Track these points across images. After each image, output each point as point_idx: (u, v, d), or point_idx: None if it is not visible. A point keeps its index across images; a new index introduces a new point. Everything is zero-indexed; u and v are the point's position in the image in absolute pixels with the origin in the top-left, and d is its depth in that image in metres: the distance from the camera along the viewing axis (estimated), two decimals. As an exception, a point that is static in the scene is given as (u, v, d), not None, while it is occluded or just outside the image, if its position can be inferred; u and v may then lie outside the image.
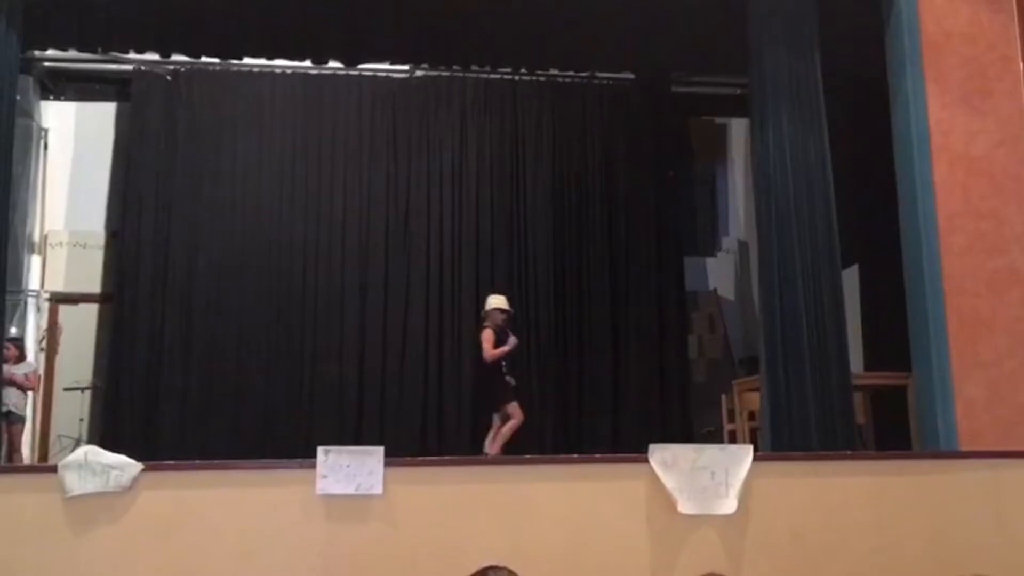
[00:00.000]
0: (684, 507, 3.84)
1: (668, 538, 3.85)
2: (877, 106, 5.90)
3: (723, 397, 7.63)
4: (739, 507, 3.86)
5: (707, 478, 3.88)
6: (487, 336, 7.44)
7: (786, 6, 5.87)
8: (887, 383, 6.63)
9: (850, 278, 7.28)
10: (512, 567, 3.58)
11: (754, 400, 6.61)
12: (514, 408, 7.30)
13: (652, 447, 3.92)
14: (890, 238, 5.75)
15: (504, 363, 7.40)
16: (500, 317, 7.54)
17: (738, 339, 9.54)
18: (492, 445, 7.23)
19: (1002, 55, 5.47)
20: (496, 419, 7.38)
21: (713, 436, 8.02)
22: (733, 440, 7.09)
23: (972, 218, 5.30)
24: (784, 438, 5.42)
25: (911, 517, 4.01)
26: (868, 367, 7.38)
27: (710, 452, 3.97)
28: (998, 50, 5.47)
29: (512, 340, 7.47)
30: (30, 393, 8.11)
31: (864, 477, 4.11)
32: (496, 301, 7.64)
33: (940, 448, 5.01)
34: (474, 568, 2.95)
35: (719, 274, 9.91)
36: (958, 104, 5.40)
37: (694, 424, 8.70)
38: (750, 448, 4.04)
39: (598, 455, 4.48)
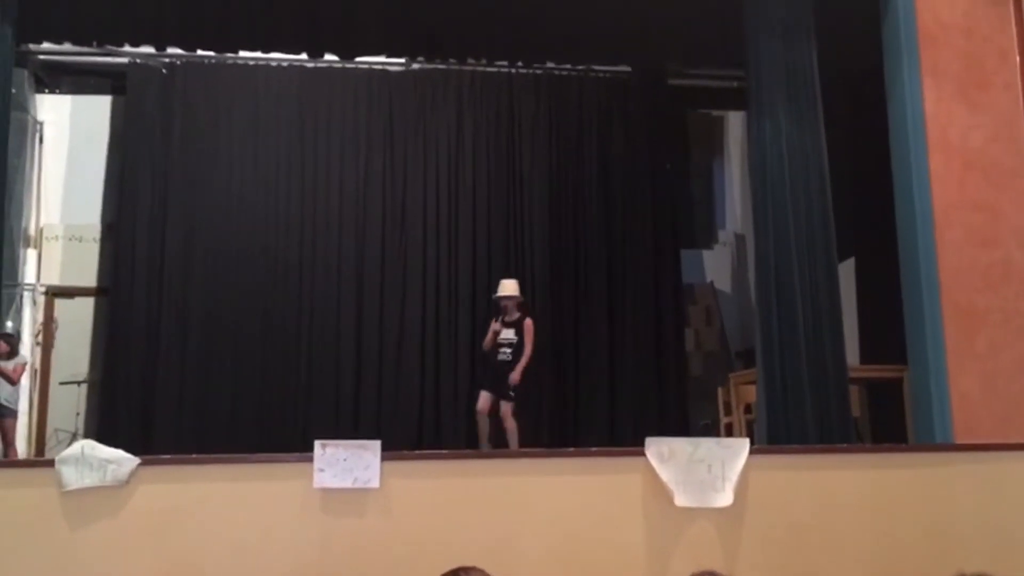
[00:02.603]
0: (680, 500, 3.84)
1: (664, 531, 3.86)
2: (874, 99, 5.90)
3: (719, 390, 7.64)
4: (735, 500, 3.87)
5: (704, 471, 3.89)
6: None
7: (783, -1, 5.87)
8: (883, 376, 6.65)
9: (846, 271, 7.29)
10: (508, 560, 3.60)
11: (750, 393, 6.63)
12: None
13: (649, 440, 3.93)
14: (886, 231, 5.75)
15: (501, 352, 7.20)
16: (500, 304, 7.36)
17: (735, 332, 9.55)
18: None
19: (999, 48, 5.47)
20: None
21: (709, 429, 8.03)
22: (729, 433, 7.11)
23: (968, 211, 5.30)
24: (780, 431, 5.43)
25: (907, 510, 4.02)
26: (864, 360, 7.39)
27: (707, 445, 3.98)
28: (995, 43, 5.47)
29: (491, 327, 7.28)
30: (24, 387, 8.09)
31: (860, 470, 4.12)
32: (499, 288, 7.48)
33: (935, 441, 5.02)
34: (469, 562, 2.95)
35: (716, 267, 9.91)
36: (954, 97, 5.40)
37: (690, 417, 8.70)
38: (746, 441, 4.05)
39: (594, 448, 4.48)
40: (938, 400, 5.11)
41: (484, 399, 7.18)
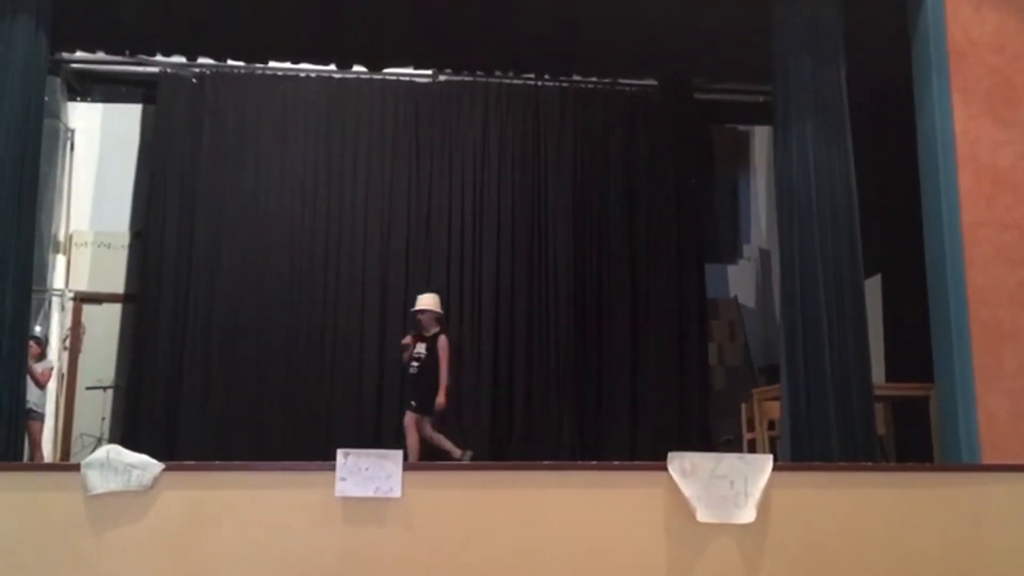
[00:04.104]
0: (702, 516, 3.83)
1: (686, 546, 3.84)
2: (902, 115, 5.85)
3: (743, 406, 7.59)
4: (758, 517, 3.85)
5: (726, 487, 3.87)
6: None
7: (811, 14, 5.83)
8: (909, 394, 6.58)
9: (873, 288, 7.23)
10: (528, 572, 3.59)
11: (774, 409, 6.58)
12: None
13: (671, 455, 3.92)
14: (914, 248, 5.70)
15: (411, 367, 7.29)
16: (415, 318, 7.45)
17: (758, 347, 9.50)
18: None
19: (1029, 65, 5.42)
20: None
21: (732, 445, 7.98)
22: (752, 449, 7.06)
23: (997, 229, 5.25)
24: (804, 448, 5.38)
25: (931, 530, 3.98)
26: (890, 378, 7.32)
27: (729, 461, 3.96)
28: (1025, 60, 5.43)
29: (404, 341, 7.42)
30: (50, 391, 8.18)
31: (884, 489, 4.09)
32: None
33: (962, 460, 4.96)
34: (489, 574, 2.95)
35: (740, 282, 9.87)
36: (984, 114, 5.35)
37: (713, 432, 8.66)
38: (769, 458, 4.02)
39: (616, 462, 4.46)
40: (965, 419, 5.05)
41: (408, 417, 7.23)
